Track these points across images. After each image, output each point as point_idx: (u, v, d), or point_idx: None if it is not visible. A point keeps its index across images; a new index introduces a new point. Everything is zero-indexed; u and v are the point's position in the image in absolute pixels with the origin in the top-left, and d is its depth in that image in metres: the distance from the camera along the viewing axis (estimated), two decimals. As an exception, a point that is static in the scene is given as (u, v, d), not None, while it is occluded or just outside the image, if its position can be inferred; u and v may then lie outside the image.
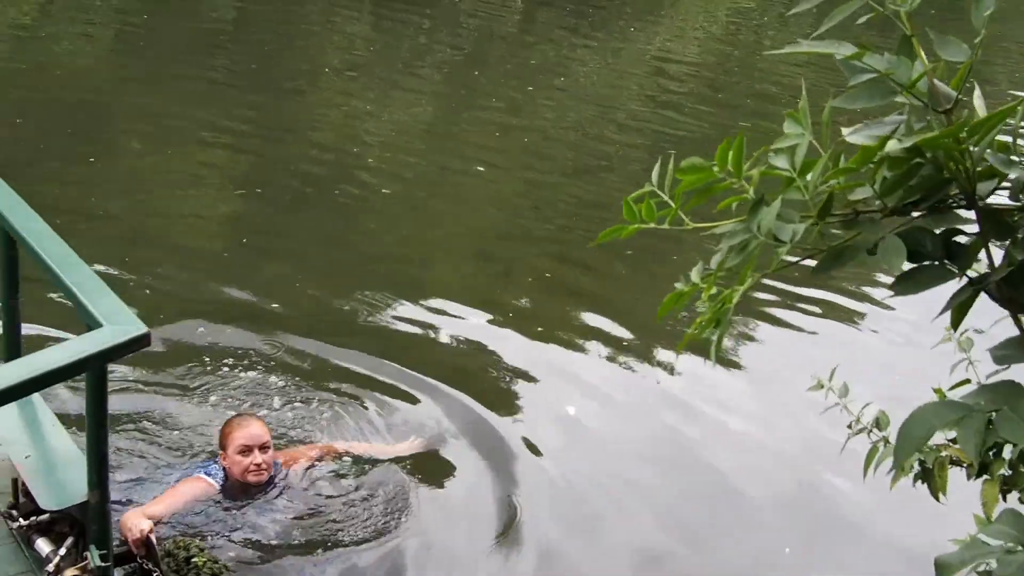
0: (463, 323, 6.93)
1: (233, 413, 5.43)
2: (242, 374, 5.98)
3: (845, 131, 1.62)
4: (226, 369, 6.01)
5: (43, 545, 3.48)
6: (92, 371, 3.06)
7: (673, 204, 1.74)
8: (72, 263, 3.26)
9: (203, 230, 8.33)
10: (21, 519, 3.59)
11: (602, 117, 12.66)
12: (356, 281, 7.40)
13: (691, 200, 1.70)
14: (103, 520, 3.32)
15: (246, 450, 4.66)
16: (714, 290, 1.68)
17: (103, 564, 3.34)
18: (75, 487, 3.38)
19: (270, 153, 10.04)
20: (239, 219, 8.61)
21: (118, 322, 2.95)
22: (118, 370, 5.81)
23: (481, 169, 10.20)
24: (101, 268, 7.02)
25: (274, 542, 4.65)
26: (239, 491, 4.74)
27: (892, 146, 1.52)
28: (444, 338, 6.75)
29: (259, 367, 6.06)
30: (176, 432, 5.40)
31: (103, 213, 8.13)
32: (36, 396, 3.95)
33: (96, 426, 3.18)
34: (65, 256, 3.29)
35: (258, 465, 4.67)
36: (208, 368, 6.01)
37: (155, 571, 4.02)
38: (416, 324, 6.86)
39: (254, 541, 4.63)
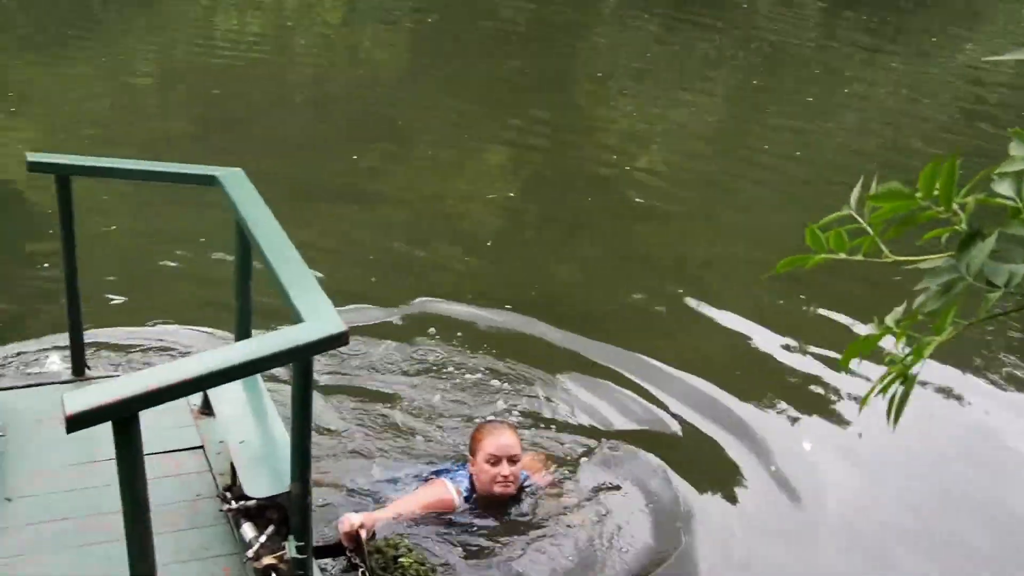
0: (743, 340, 6.59)
1: (488, 415, 5.42)
2: (500, 365, 5.97)
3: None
4: (489, 357, 6.05)
5: (248, 530, 3.53)
6: (298, 363, 3.06)
7: (872, 232, 1.46)
8: (290, 258, 3.27)
9: (485, 222, 8.58)
10: (233, 502, 3.65)
11: (906, 128, 11.94)
12: (633, 285, 7.31)
13: (889, 230, 1.42)
14: (304, 512, 3.31)
15: (495, 460, 4.50)
16: (904, 340, 1.39)
17: (299, 556, 3.32)
18: (280, 477, 3.39)
19: (555, 152, 10.20)
20: (521, 213, 8.79)
21: (322, 319, 2.91)
22: (374, 352, 5.97)
23: (773, 179, 9.80)
24: (380, 246, 7.37)
25: (498, 557, 4.45)
26: (482, 500, 4.59)
27: None
28: (717, 349, 6.47)
29: (525, 360, 6.04)
30: (424, 424, 5.42)
31: (391, 198, 8.62)
32: (261, 382, 4.04)
33: (300, 419, 3.17)
34: (284, 251, 3.31)
35: (505, 477, 4.51)
36: (471, 353, 6.10)
37: (361, 566, 4.03)
38: (689, 331, 6.64)
39: (476, 551, 4.48)
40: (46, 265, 6.78)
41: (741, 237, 8.49)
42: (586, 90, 12.72)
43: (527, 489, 4.70)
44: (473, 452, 4.58)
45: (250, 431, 3.76)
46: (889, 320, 1.37)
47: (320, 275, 6.42)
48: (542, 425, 5.46)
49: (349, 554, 4.12)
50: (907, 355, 1.31)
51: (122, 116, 10.75)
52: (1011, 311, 1.38)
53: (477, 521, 4.54)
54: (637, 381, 5.95)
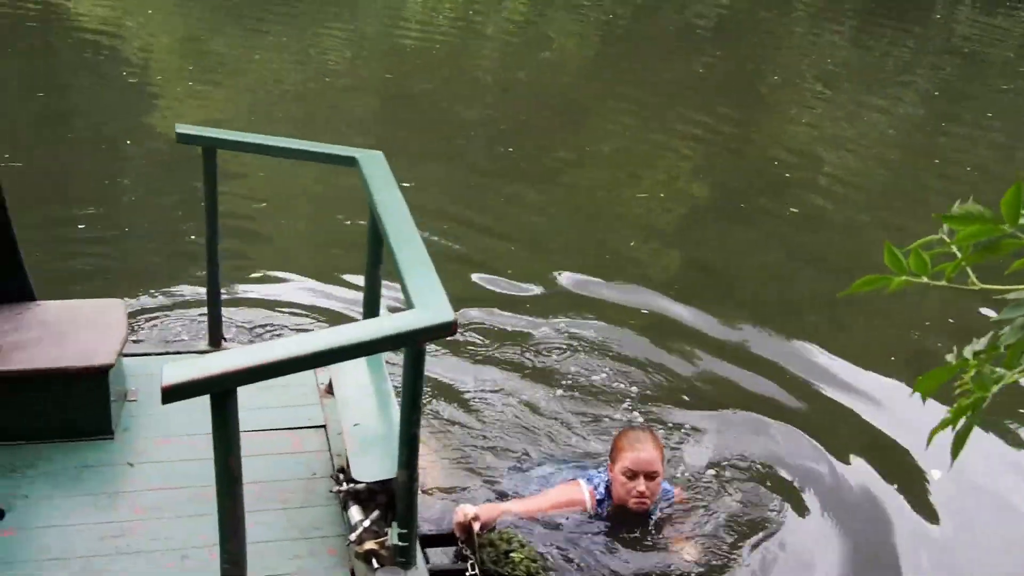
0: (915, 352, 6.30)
1: (635, 419, 5.33)
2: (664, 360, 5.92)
3: None
4: (649, 348, 6.03)
5: (355, 513, 3.53)
6: (409, 349, 3.04)
7: (960, 255, 1.32)
8: (411, 244, 3.26)
9: (659, 212, 8.56)
10: (344, 484, 3.66)
11: None
12: (804, 286, 7.13)
13: (972, 256, 1.28)
14: (409, 499, 3.30)
15: (631, 475, 4.33)
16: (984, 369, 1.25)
17: (401, 544, 3.30)
18: (388, 463, 3.37)
19: (738, 150, 10.12)
20: (696, 206, 8.78)
21: (432, 307, 2.88)
22: (534, 333, 5.98)
23: (963, 192, 9.30)
24: (551, 229, 7.40)
25: (612, 570, 4.32)
26: (616, 509, 4.45)
27: None
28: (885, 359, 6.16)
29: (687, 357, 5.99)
30: (561, 424, 5.36)
31: (568, 182, 8.84)
32: (384, 368, 4.04)
33: (409, 405, 3.15)
34: (407, 236, 3.30)
35: (641, 493, 4.33)
36: (633, 342, 6.09)
37: (471, 558, 3.99)
38: (857, 338, 6.40)
39: (594, 560, 4.35)
40: (192, 237, 7.00)
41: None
42: (773, 90, 12.52)
43: (665, 505, 4.52)
44: (612, 459, 4.43)
45: (366, 415, 3.77)
46: (967, 351, 1.23)
47: (486, 255, 6.49)
48: (689, 436, 5.31)
49: (460, 545, 4.09)
50: (977, 390, 1.17)
51: (316, 94, 11.08)
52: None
53: (604, 529, 4.41)
54: (800, 381, 5.79)
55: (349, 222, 7.52)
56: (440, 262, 3.15)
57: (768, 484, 4.94)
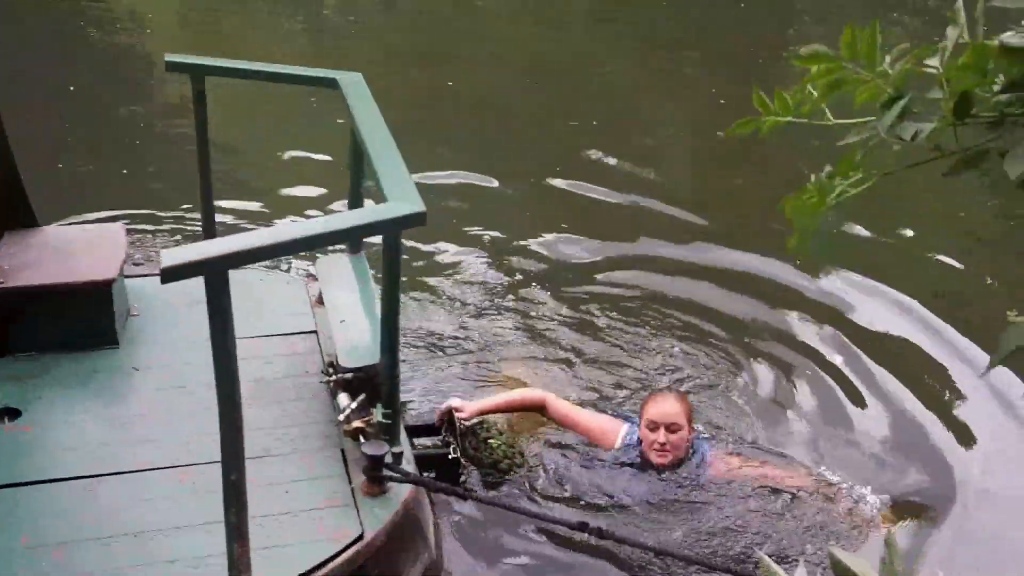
0: None
1: (670, 377, 5.46)
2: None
3: (1005, 35, 1.45)
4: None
5: (343, 399, 3.86)
6: (387, 238, 3.36)
7: (815, 93, 1.61)
8: (388, 151, 3.56)
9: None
10: (333, 374, 3.99)
11: None
12: None
13: (821, 96, 1.57)
14: (392, 381, 3.64)
15: (653, 426, 4.44)
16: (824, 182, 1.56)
17: (386, 421, 3.64)
18: (372, 351, 3.70)
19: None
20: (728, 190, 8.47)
21: (405, 200, 3.19)
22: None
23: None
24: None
25: (613, 513, 4.33)
26: (644, 461, 4.50)
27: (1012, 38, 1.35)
28: None
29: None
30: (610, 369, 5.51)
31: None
32: (369, 273, 4.36)
33: (388, 295, 3.47)
34: (384, 145, 3.60)
35: (662, 445, 4.43)
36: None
37: (453, 442, 4.34)
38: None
39: (600, 497, 4.42)
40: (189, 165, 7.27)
41: None
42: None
43: (695, 468, 4.48)
44: (640, 415, 4.55)
45: (352, 313, 4.09)
46: (823, 176, 1.52)
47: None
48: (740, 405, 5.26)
49: (444, 434, 4.43)
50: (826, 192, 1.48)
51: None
52: (920, 163, 1.52)
53: (623, 472, 4.50)
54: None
55: (333, 153, 7.79)
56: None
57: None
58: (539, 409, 4.73)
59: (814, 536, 4.15)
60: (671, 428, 4.41)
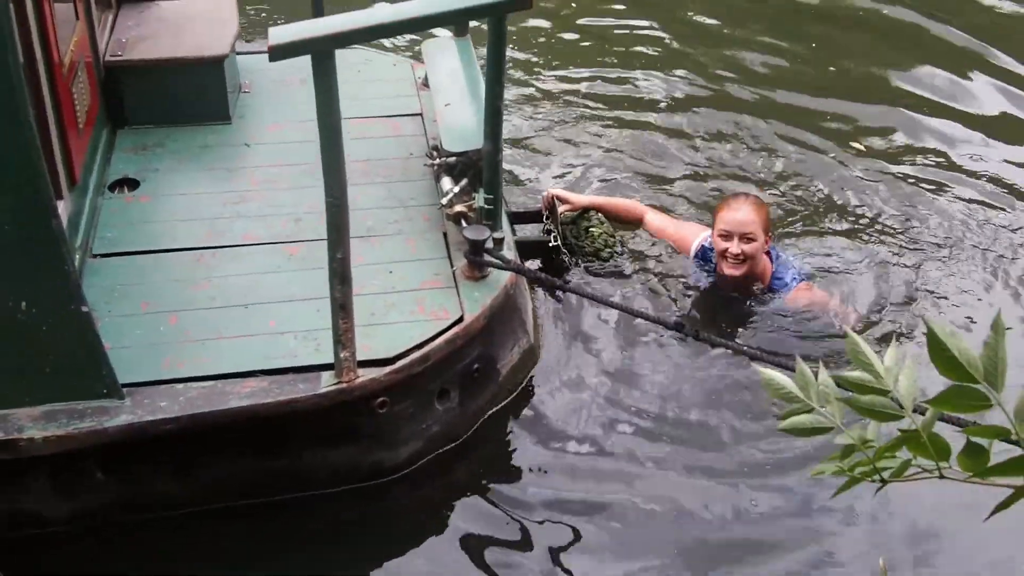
0: None
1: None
2: None
3: None
4: None
5: (446, 183, 3.90)
6: (492, 22, 3.31)
7: None
8: None
9: None
10: (437, 158, 4.02)
11: None
12: None
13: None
14: (494, 167, 3.65)
15: (725, 235, 4.14)
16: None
17: (488, 207, 3.68)
18: (476, 136, 3.71)
19: None
20: None
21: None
22: None
23: None
24: None
25: (671, 310, 4.24)
26: (718, 275, 4.29)
27: None
28: None
29: None
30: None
31: None
32: (475, 59, 4.32)
33: (493, 80, 3.45)
34: None
35: (735, 256, 4.13)
36: None
37: (553, 230, 4.37)
38: None
39: (662, 294, 4.36)
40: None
41: None
42: None
43: (768, 291, 4.24)
44: (712, 224, 4.28)
45: (457, 96, 4.08)
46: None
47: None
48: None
49: (545, 221, 4.47)
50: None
51: None
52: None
53: (690, 278, 4.40)
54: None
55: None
56: None
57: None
58: (637, 221, 4.64)
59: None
60: (746, 237, 4.12)
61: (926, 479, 1.38)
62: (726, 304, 4.28)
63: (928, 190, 5.21)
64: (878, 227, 4.92)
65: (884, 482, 1.40)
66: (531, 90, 6.02)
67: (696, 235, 4.46)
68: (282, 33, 2.75)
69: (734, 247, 4.12)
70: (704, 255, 4.39)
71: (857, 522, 3.53)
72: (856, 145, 5.62)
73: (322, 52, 2.75)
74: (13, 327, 2.95)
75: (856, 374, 1.39)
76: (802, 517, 3.54)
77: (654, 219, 4.62)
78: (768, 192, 5.10)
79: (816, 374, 1.45)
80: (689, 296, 4.36)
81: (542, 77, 6.20)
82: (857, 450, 1.41)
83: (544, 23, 6.82)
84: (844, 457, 1.42)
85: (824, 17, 7.23)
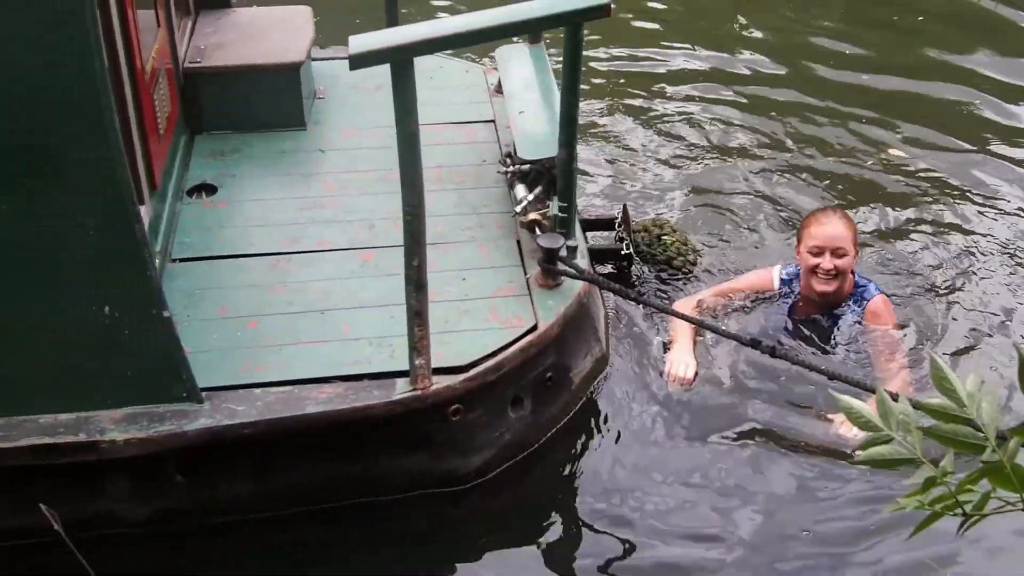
0: None
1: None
2: None
3: None
4: None
5: (520, 190, 3.90)
6: (568, 31, 3.30)
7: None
8: None
9: None
10: (511, 165, 4.02)
11: None
12: None
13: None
14: (569, 175, 3.63)
15: (817, 251, 3.99)
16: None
17: (561, 215, 3.67)
18: (550, 143, 3.70)
19: None
20: None
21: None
22: None
23: None
24: None
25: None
26: (804, 297, 4.16)
27: None
28: None
29: None
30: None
31: None
32: (549, 64, 4.31)
33: (569, 87, 3.44)
34: None
35: (827, 271, 3.98)
36: None
37: (626, 238, 4.35)
38: None
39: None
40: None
41: None
42: None
43: (857, 307, 4.11)
44: (799, 240, 4.12)
45: (531, 104, 4.08)
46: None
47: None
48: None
49: (618, 228, 4.45)
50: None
51: None
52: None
53: (779, 309, 4.21)
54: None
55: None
56: None
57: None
58: (703, 313, 4.21)
59: None
60: (838, 252, 3.98)
61: (1010, 511, 1.35)
62: (804, 322, 4.16)
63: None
64: (957, 240, 4.85)
65: (967, 516, 1.36)
66: (608, 100, 6.01)
67: (769, 271, 4.30)
68: (362, 42, 2.76)
69: (826, 262, 3.98)
70: (787, 284, 4.23)
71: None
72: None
73: (402, 61, 2.77)
74: (96, 331, 3.00)
75: (937, 401, 1.35)
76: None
77: (711, 293, 4.30)
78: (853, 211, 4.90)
79: (896, 398, 1.41)
80: (766, 311, 4.22)
81: (615, 86, 6.19)
82: (939, 483, 1.37)
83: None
84: (925, 491, 1.38)
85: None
